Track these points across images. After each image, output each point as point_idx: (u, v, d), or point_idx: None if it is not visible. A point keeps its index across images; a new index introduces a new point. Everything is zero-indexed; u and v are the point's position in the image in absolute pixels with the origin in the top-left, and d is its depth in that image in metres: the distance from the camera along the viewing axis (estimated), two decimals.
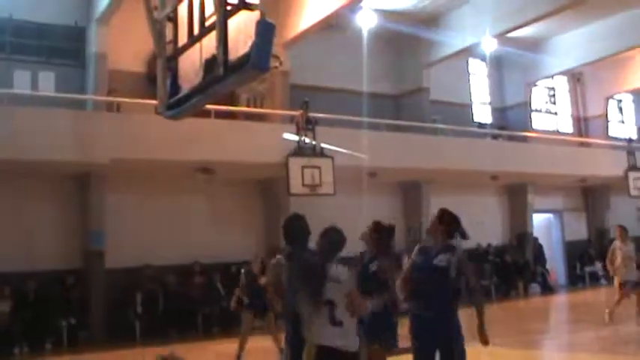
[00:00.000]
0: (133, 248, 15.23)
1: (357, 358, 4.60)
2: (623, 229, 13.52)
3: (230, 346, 13.16)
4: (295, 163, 15.10)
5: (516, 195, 23.31)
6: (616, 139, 28.08)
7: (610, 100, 29.49)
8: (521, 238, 22.77)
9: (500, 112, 25.64)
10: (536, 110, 27.35)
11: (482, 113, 25.37)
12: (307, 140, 15.43)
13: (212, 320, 15.71)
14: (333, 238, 5.01)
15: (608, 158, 24.77)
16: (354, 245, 17.90)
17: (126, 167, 14.65)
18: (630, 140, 25.68)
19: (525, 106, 25.57)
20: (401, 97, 21.88)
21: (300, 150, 15.36)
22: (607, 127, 28.94)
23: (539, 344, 11.68)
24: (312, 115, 15.67)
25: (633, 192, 24.29)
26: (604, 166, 24.22)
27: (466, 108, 24.42)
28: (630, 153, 24.47)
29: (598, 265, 23.95)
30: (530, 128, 25.03)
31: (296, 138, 15.45)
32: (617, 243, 13.44)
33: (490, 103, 25.67)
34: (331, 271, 4.61)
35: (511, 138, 23.07)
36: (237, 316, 15.61)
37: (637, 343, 11.21)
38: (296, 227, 5.67)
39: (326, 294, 4.47)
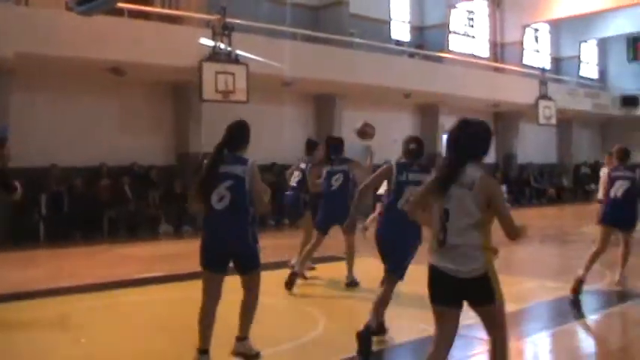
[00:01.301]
0: (39, 148, 15.23)
1: None
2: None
3: (136, 249, 13.65)
4: (209, 69, 15.32)
5: (428, 115, 24.22)
6: (530, 67, 29.45)
7: (527, 29, 30.63)
8: (431, 158, 23.55)
9: (418, 31, 26.18)
10: (455, 32, 28.07)
11: (401, 31, 25.86)
12: (223, 46, 15.61)
13: (118, 223, 16.03)
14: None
15: (521, 86, 25.87)
16: (274, 153, 18.41)
17: (33, 64, 14.46)
18: (544, 70, 27.41)
19: (444, 27, 26.20)
20: (320, 9, 22.09)
21: (214, 55, 15.57)
22: (522, 55, 30.08)
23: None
24: (229, 20, 15.86)
25: (542, 120, 25.98)
26: (516, 93, 25.30)
27: (385, 24, 24.81)
28: (542, 82, 26.01)
29: (504, 189, 25.46)
30: (446, 50, 25.75)
31: (211, 43, 15.59)
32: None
33: (409, 22, 26.15)
34: None
35: (427, 58, 23.71)
36: (144, 218, 16.04)
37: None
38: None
39: None
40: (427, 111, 24.23)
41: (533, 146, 29.45)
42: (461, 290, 3.69)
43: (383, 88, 20.34)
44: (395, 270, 5.83)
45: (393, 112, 22.86)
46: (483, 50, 29.60)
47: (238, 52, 15.85)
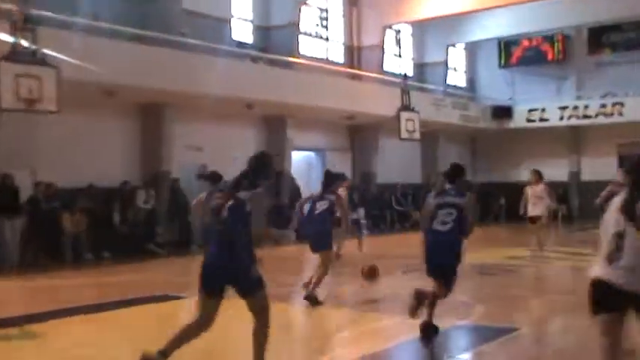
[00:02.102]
0: None
1: None
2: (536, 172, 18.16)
3: None
4: (8, 70, 14.74)
5: (275, 128, 24.53)
6: (391, 74, 30.05)
7: (388, 30, 31.36)
8: (278, 178, 23.35)
9: (263, 31, 26.24)
10: (305, 34, 28.26)
11: (243, 31, 25.84)
12: (25, 43, 15.09)
13: None
14: None
15: (381, 95, 26.38)
16: (91, 173, 18.06)
17: None
18: (406, 77, 27.24)
19: (293, 27, 26.23)
20: (148, 3, 21.75)
21: (15, 54, 14.97)
22: (382, 60, 30.57)
23: (290, 297, 11.80)
24: (33, 12, 15.39)
25: (404, 134, 26.00)
26: (375, 104, 25.79)
27: (224, 23, 24.65)
28: (405, 91, 26.09)
29: (361, 212, 25.59)
30: (296, 53, 25.83)
31: (10, 39, 15.03)
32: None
33: (252, 21, 26.15)
34: None
35: (273, 62, 23.76)
36: None
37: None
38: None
39: None
40: (273, 124, 24.50)
41: (395, 164, 29.93)
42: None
43: (221, 97, 20.07)
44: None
45: (234, 126, 23.07)
46: (338, 55, 29.98)
47: (46, 51, 15.35)
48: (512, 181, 30.95)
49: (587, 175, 32.96)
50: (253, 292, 6.16)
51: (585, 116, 32.13)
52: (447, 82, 34.66)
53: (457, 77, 36.74)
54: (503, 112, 33.84)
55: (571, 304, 10.31)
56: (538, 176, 18.20)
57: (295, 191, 24.10)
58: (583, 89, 34.22)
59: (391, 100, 25.56)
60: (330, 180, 11.92)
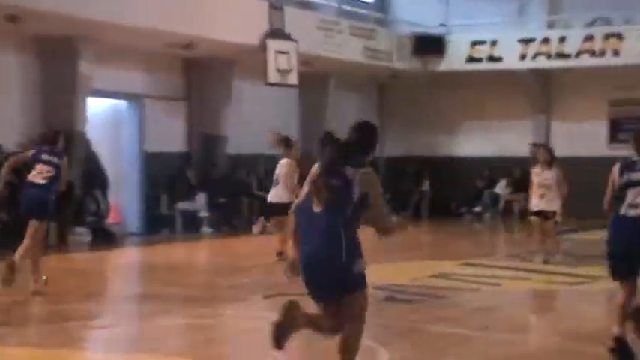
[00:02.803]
0: None
1: None
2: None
3: None
4: None
5: (59, 59, 23.49)
6: None
7: None
8: (69, 140, 22.19)
9: None
10: None
11: None
12: None
13: None
14: None
15: (236, 11, 25.62)
16: None
17: None
18: None
19: None
20: None
21: None
22: None
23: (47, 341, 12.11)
24: None
25: (273, 76, 26.33)
26: (226, 25, 25.03)
27: None
28: (275, 7, 26.28)
29: (200, 201, 26.20)
30: None
31: None
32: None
33: None
34: None
35: None
36: None
37: None
38: None
39: None
40: (57, 51, 23.59)
41: (258, 124, 29.42)
42: None
43: None
44: None
45: None
46: None
47: None
48: (441, 155, 30.60)
49: (561, 149, 32.59)
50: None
51: (560, 55, 32.07)
52: None
53: None
54: (430, 46, 33.67)
55: (525, 349, 11.36)
56: (548, 155, 19.26)
57: (94, 165, 24.38)
58: (559, 11, 34.57)
59: (253, 20, 25.78)
60: None
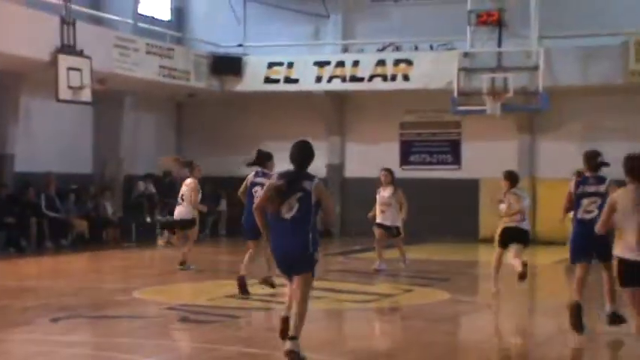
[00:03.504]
0: None
1: None
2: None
3: None
4: None
5: None
6: None
7: None
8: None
9: None
10: None
11: None
12: None
13: None
14: None
15: (24, 24, 25.15)
16: None
17: None
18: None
19: None
20: None
21: None
22: None
23: None
24: None
25: (64, 93, 25.82)
26: (14, 38, 24.53)
27: None
28: (67, 21, 25.73)
29: None
30: None
31: None
32: None
33: None
34: None
35: None
36: None
37: None
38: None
39: None
40: None
41: (48, 141, 29.55)
42: None
43: None
44: None
45: None
46: None
47: None
48: (238, 176, 30.59)
49: (353, 170, 34.05)
50: None
51: (354, 78, 32.65)
52: (140, 11, 34.47)
53: (157, 5, 36.73)
54: (228, 66, 33.97)
55: None
56: (389, 177, 21.91)
57: None
58: (352, 36, 35.16)
59: (42, 34, 25.34)
60: None
